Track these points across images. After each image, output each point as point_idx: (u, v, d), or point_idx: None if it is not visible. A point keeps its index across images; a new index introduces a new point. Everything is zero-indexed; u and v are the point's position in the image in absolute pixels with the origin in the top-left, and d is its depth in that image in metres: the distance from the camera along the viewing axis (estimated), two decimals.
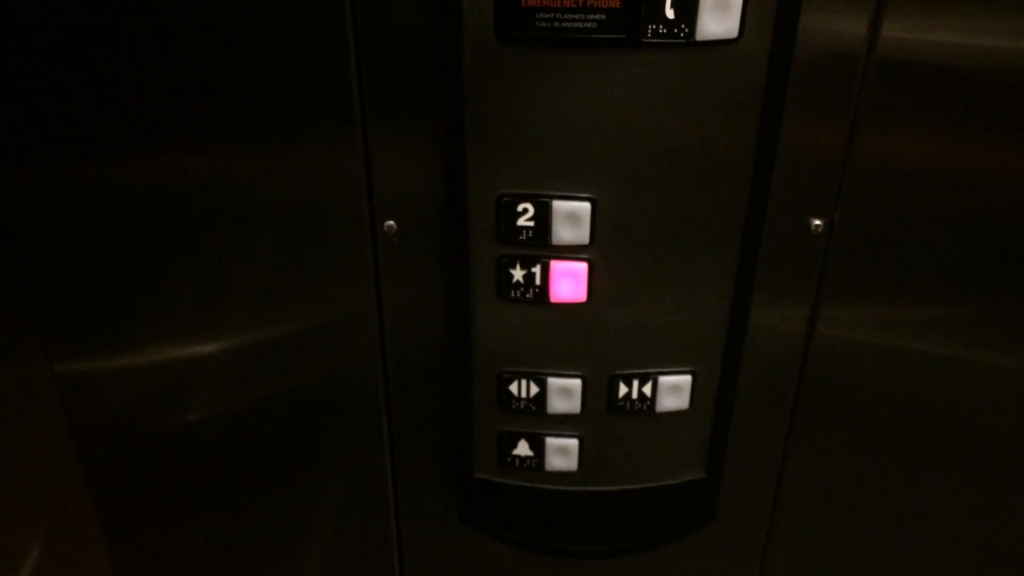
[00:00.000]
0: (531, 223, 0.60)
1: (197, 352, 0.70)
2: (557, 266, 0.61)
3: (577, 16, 0.52)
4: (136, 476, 0.77)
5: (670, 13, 0.52)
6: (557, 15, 0.52)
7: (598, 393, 0.66)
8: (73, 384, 0.72)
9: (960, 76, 0.58)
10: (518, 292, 0.62)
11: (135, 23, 0.56)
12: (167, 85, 0.59)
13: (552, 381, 0.66)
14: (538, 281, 0.62)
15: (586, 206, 0.59)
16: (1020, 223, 0.63)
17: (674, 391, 0.67)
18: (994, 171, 0.62)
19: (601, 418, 0.68)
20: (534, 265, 0.61)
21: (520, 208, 0.59)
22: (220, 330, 0.69)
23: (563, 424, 0.68)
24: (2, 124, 0.60)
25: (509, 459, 0.70)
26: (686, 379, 0.66)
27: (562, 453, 0.69)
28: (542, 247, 0.60)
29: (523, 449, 0.69)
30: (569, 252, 0.61)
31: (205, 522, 0.79)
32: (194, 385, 0.72)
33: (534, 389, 0.66)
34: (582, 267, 0.61)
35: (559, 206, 0.59)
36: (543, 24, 0.52)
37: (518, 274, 0.62)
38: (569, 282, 0.62)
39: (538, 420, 0.68)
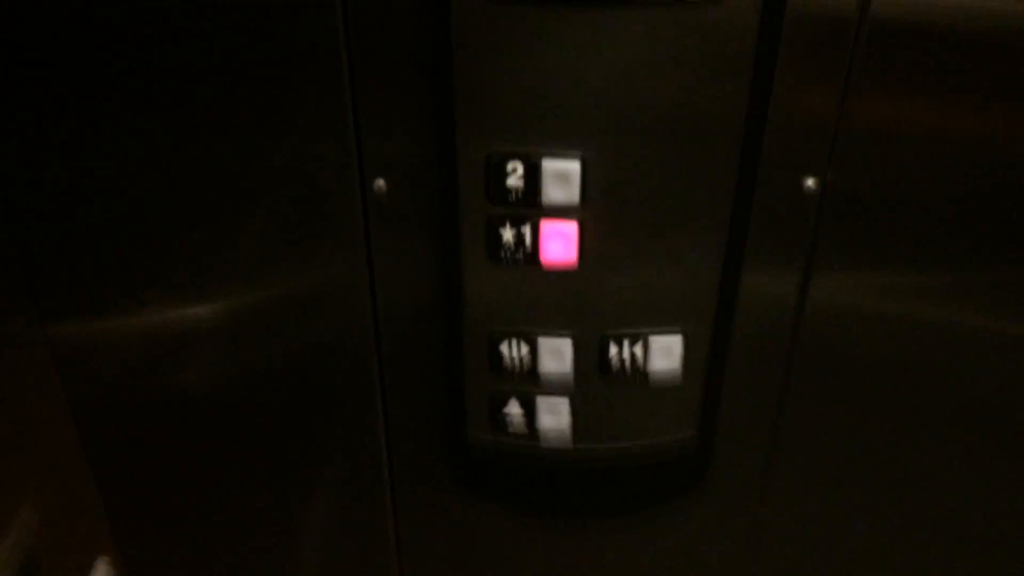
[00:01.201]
0: (520, 183, 0.59)
1: (190, 317, 0.70)
2: (547, 226, 0.61)
3: None
4: (132, 440, 0.77)
5: None
6: None
7: (589, 354, 0.67)
8: (67, 349, 0.72)
9: (954, 36, 0.58)
10: (508, 252, 0.62)
11: None
12: (153, 53, 0.58)
13: (543, 341, 0.66)
14: (528, 241, 0.62)
15: (576, 166, 0.59)
16: (1015, 185, 0.63)
17: (665, 352, 0.67)
18: (989, 132, 0.62)
19: (592, 379, 0.68)
20: (524, 225, 0.61)
21: (509, 167, 0.59)
22: (213, 296, 0.69)
23: (554, 385, 0.68)
24: None
25: (501, 420, 0.70)
26: (677, 340, 0.66)
27: (553, 413, 0.69)
28: (532, 207, 0.60)
29: (515, 410, 0.69)
30: (559, 212, 0.61)
31: (201, 487, 0.79)
32: (188, 351, 0.72)
33: (525, 350, 0.66)
34: (572, 227, 0.61)
35: (549, 165, 0.59)
36: None
37: (508, 234, 0.61)
38: (559, 242, 0.62)
39: (529, 381, 0.68)
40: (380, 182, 0.62)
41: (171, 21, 0.57)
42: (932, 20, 0.57)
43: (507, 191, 0.60)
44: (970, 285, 0.68)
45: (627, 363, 0.67)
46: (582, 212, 0.61)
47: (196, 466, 0.78)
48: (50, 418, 0.75)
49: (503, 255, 0.62)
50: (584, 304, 0.65)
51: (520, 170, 0.59)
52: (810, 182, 0.62)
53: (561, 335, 0.66)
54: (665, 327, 0.66)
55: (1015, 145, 0.62)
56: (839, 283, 0.67)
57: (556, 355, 0.66)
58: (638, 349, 0.67)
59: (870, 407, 0.73)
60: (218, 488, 0.79)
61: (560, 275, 0.63)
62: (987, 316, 0.69)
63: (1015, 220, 0.65)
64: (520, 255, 0.62)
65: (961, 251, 0.66)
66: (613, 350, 0.66)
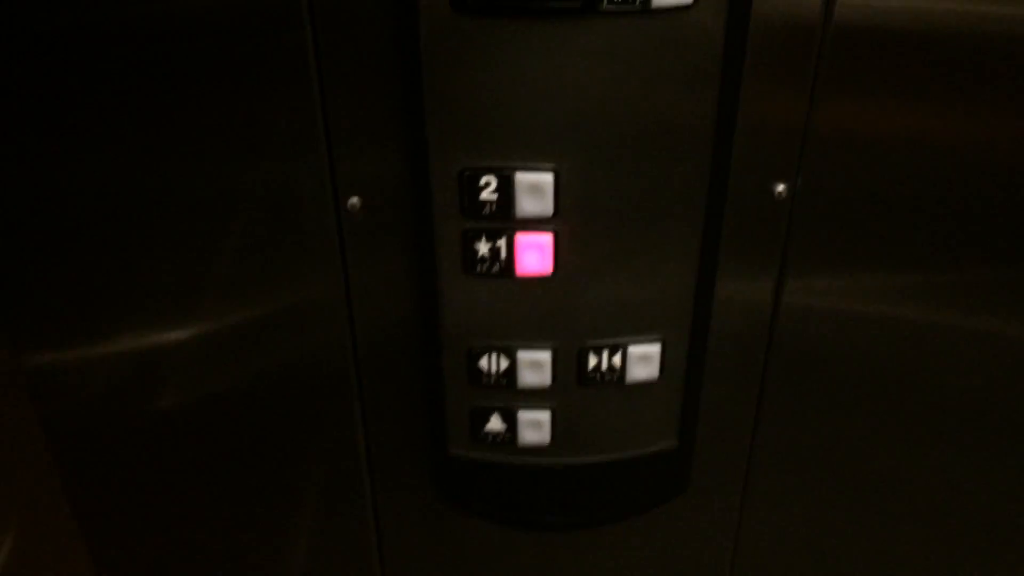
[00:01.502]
0: (494, 196, 0.59)
1: (167, 340, 0.70)
2: (522, 238, 0.61)
3: None
4: (109, 465, 0.76)
5: None
6: None
7: (568, 365, 0.67)
8: (41, 374, 0.71)
9: (917, 40, 0.58)
10: (484, 266, 0.62)
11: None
12: (124, 77, 0.58)
13: (522, 354, 0.66)
14: (504, 254, 0.62)
15: (549, 177, 0.59)
16: (981, 187, 0.64)
17: (644, 360, 0.67)
18: (955, 136, 0.63)
19: (572, 390, 0.68)
20: (499, 238, 0.61)
21: (483, 181, 0.59)
22: (189, 318, 0.69)
23: (534, 397, 0.68)
24: None
25: (482, 434, 0.70)
26: (655, 348, 0.67)
27: (534, 426, 0.69)
28: (506, 220, 0.60)
29: (495, 423, 0.69)
30: (533, 224, 0.61)
31: (181, 509, 0.79)
32: (165, 373, 0.71)
33: (504, 363, 0.66)
34: (547, 239, 0.61)
35: (522, 178, 0.59)
36: None
37: (483, 248, 0.61)
38: (534, 254, 0.62)
39: (509, 394, 0.68)
40: (354, 200, 0.62)
41: (141, 45, 0.57)
42: (895, 25, 0.58)
43: (481, 204, 0.60)
44: (940, 285, 0.69)
45: (607, 373, 0.67)
46: (556, 223, 0.61)
47: (175, 488, 0.77)
48: (26, 446, 0.74)
49: (479, 268, 0.62)
50: (562, 315, 0.65)
51: (493, 183, 0.59)
52: (780, 187, 0.63)
53: (540, 347, 0.66)
54: (643, 335, 0.66)
55: (980, 147, 0.63)
56: (813, 286, 0.68)
57: (535, 367, 0.66)
58: (617, 359, 0.67)
59: (848, 408, 0.73)
60: (198, 510, 0.78)
61: (537, 287, 0.63)
62: (959, 315, 0.70)
63: (982, 220, 0.66)
64: (496, 268, 0.62)
65: (930, 252, 0.67)
66: (592, 360, 0.66)
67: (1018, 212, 0.65)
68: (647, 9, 0.53)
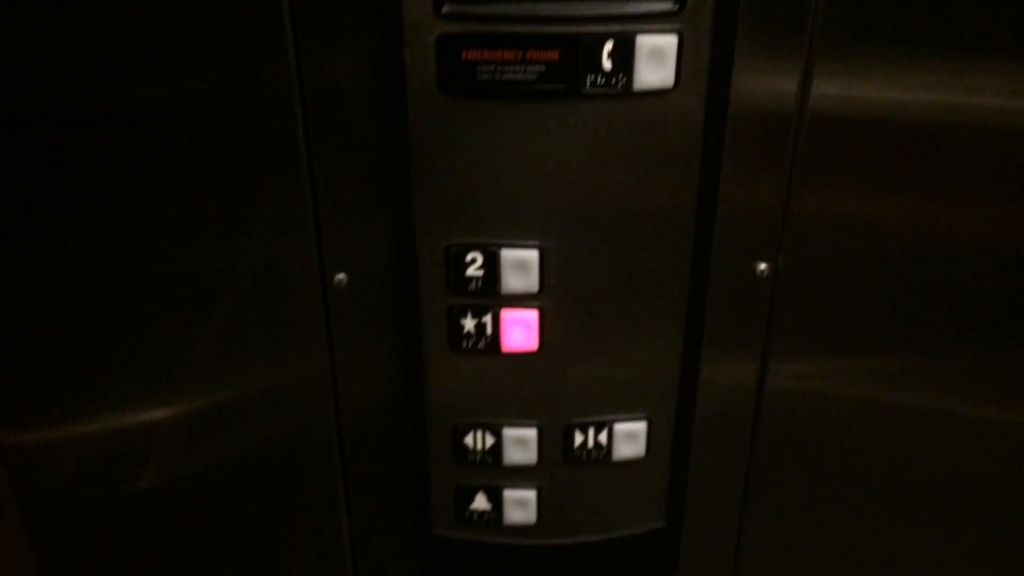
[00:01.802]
0: (480, 272, 0.60)
1: (150, 419, 0.70)
2: (508, 315, 0.62)
3: (517, 68, 0.54)
4: (84, 544, 0.75)
5: (607, 64, 0.54)
6: (498, 67, 0.54)
7: (554, 442, 0.67)
8: (19, 452, 0.71)
9: (893, 128, 0.61)
10: (470, 342, 0.63)
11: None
12: (112, 155, 0.60)
13: (508, 432, 0.66)
14: (489, 331, 0.62)
15: (534, 254, 0.60)
16: (958, 271, 0.66)
17: (630, 438, 0.67)
18: (931, 220, 0.65)
19: (558, 468, 0.68)
20: (485, 315, 0.62)
21: (469, 258, 0.60)
22: (174, 395, 0.69)
23: (520, 476, 0.68)
24: None
25: (467, 513, 0.69)
26: (641, 426, 0.67)
27: (520, 505, 0.69)
28: (492, 296, 0.61)
29: (481, 503, 0.69)
30: (519, 301, 0.62)
31: None
32: (146, 452, 0.71)
33: (490, 440, 0.66)
34: (533, 315, 0.62)
35: (507, 255, 0.60)
36: (484, 77, 0.54)
37: (469, 324, 0.62)
38: (520, 331, 0.62)
39: (495, 472, 0.68)
40: (340, 276, 0.62)
41: (133, 128, 0.59)
42: (869, 115, 0.60)
43: (467, 281, 0.61)
44: (922, 368, 0.70)
45: (593, 451, 0.67)
46: (542, 300, 0.62)
47: (154, 568, 0.76)
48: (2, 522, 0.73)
49: (465, 344, 0.63)
50: (548, 392, 0.65)
51: (479, 260, 0.60)
52: (762, 266, 0.64)
53: (526, 424, 0.66)
54: (629, 413, 0.67)
55: (955, 232, 0.65)
56: (797, 368, 0.69)
57: (521, 444, 0.66)
58: (603, 437, 0.67)
59: (835, 489, 0.73)
60: None
61: (523, 363, 0.64)
62: (943, 398, 0.71)
63: (961, 304, 0.67)
64: (482, 344, 0.63)
65: (909, 335, 0.68)
66: (579, 437, 0.66)
67: (994, 296, 0.66)
68: (628, 92, 0.55)
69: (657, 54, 0.54)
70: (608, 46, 0.54)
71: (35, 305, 0.65)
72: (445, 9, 0.53)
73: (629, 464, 0.68)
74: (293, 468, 0.71)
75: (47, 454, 0.71)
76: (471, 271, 0.60)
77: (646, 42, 0.54)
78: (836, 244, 0.64)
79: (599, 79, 0.54)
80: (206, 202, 0.61)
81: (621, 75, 0.55)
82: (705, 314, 0.64)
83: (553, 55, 0.54)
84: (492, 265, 0.60)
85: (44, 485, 0.72)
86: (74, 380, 0.68)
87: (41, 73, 0.57)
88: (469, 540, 0.71)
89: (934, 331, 0.68)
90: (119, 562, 0.76)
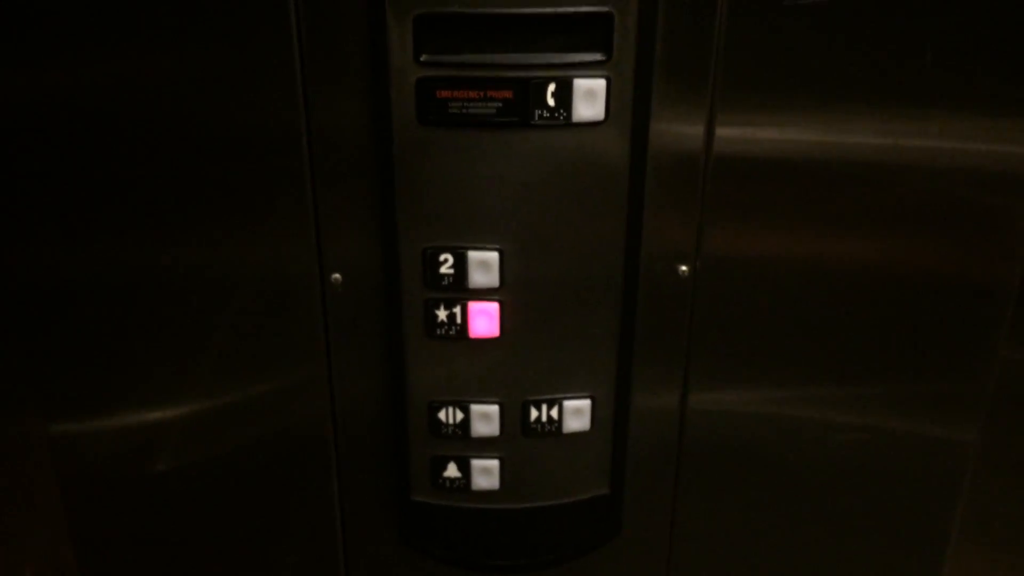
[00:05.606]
0: (451, 270, 0.72)
1: (164, 417, 0.80)
2: (474, 306, 0.73)
3: (480, 104, 0.66)
4: (112, 523, 0.84)
5: (551, 101, 0.66)
6: (465, 103, 0.66)
7: (514, 417, 0.77)
8: (63, 441, 0.80)
9: (789, 167, 0.69)
10: (443, 330, 0.74)
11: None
12: (124, 166, 0.68)
13: (475, 408, 0.76)
14: (459, 320, 0.74)
15: (495, 255, 0.71)
16: (857, 297, 0.75)
17: (577, 414, 0.78)
18: (829, 254, 0.73)
19: (517, 440, 0.78)
20: (455, 306, 0.73)
21: (442, 258, 0.71)
22: (189, 392, 0.78)
23: (486, 447, 0.78)
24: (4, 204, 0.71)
25: (440, 481, 0.80)
26: (586, 403, 0.78)
27: (486, 473, 0.79)
28: (461, 290, 0.72)
29: (452, 471, 0.80)
30: (483, 294, 0.72)
31: (173, 564, 0.87)
32: (163, 443, 0.81)
33: (459, 415, 0.77)
34: (494, 307, 0.73)
35: (473, 256, 0.71)
36: (454, 111, 0.66)
37: (442, 314, 0.74)
38: (484, 320, 0.74)
39: (464, 444, 0.78)
40: (336, 276, 0.74)
41: (140, 136, 0.67)
42: (770, 155, 0.69)
43: (440, 277, 0.72)
44: (821, 391, 0.79)
45: (546, 424, 0.78)
46: (502, 294, 0.73)
47: (168, 546, 0.86)
48: (45, 503, 0.82)
49: (439, 332, 0.74)
50: (508, 373, 0.76)
51: (450, 260, 0.71)
52: (683, 268, 0.76)
53: (489, 401, 0.77)
54: (576, 392, 0.77)
55: (852, 266, 0.74)
56: (714, 373, 0.79)
57: (486, 419, 0.77)
58: (554, 412, 0.78)
59: (754, 466, 0.83)
60: (189, 563, 0.87)
61: (487, 348, 0.75)
62: (853, 415, 0.80)
63: (868, 334, 0.76)
64: (452, 331, 0.74)
65: (815, 366, 0.77)
66: (534, 413, 0.77)
67: (885, 321, 0.76)
68: (569, 124, 0.67)
69: (590, 94, 0.66)
70: (552, 87, 0.65)
71: (67, 314, 0.75)
72: (423, 58, 0.64)
73: (577, 436, 0.79)
74: (293, 448, 0.80)
75: (83, 443, 0.80)
76: (443, 269, 0.71)
77: (582, 84, 0.65)
78: (744, 281, 0.74)
79: (545, 113, 0.65)
80: (219, 211, 0.71)
81: (562, 110, 0.66)
82: (636, 308, 0.76)
83: (508, 94, 0.65)
84: (461, 264, 0.71)
85: (80, 470, 0.81)
86: (107, 380, 0.77)
87: (78, 110, 0.67)
88: (443, 505, 0.81)
89: (835, 361, 0.77)
90: (138, 538, 0.85)
